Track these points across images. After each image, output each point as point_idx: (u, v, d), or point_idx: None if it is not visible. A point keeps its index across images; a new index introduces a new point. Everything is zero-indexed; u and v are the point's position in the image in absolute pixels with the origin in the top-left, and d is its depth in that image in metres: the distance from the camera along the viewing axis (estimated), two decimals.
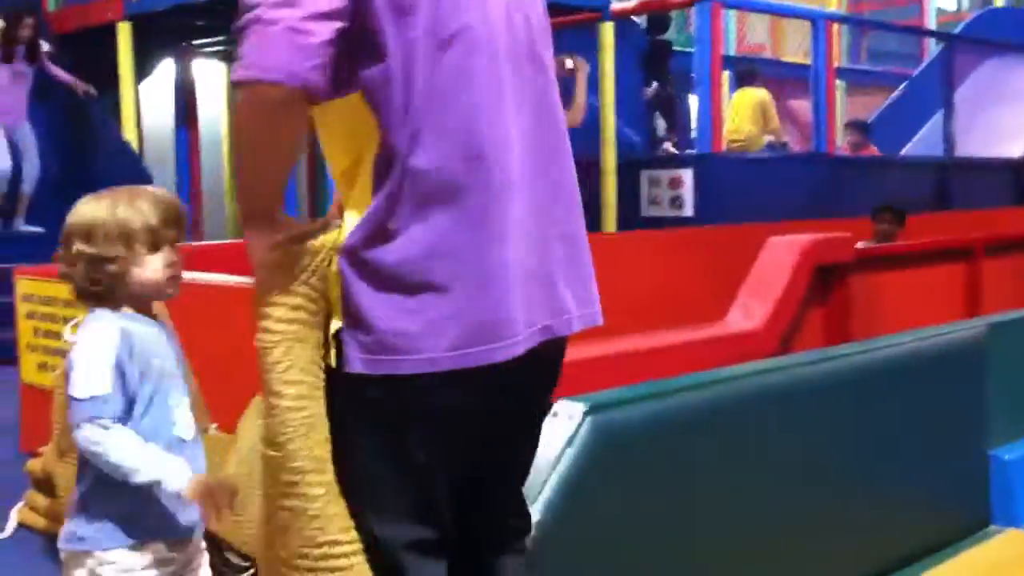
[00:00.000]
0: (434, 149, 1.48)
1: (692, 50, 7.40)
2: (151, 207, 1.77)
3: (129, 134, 6.95)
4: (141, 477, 1.70)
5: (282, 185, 1.58)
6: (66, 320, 3.03)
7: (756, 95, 8.50)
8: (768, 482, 2.28)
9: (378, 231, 1.50)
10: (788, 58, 11.43)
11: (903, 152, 9.90)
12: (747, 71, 8.91)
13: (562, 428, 1.95)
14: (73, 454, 2.64)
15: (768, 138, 8.45)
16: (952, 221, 6.74)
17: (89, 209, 1.78)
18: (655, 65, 7.07)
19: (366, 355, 1.51)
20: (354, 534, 1.54)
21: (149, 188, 1.88)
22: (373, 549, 1.56)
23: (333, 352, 1.53)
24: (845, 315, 4.54)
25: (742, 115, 8.49)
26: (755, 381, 2.32)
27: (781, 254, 4.28)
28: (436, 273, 1.49)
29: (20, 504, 3.41)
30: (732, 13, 11.00)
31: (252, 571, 2.43)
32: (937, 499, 2.73)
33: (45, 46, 6.96)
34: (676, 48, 9.37)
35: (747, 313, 4.07)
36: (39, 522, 3.31)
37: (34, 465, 3.26)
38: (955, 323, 2.93)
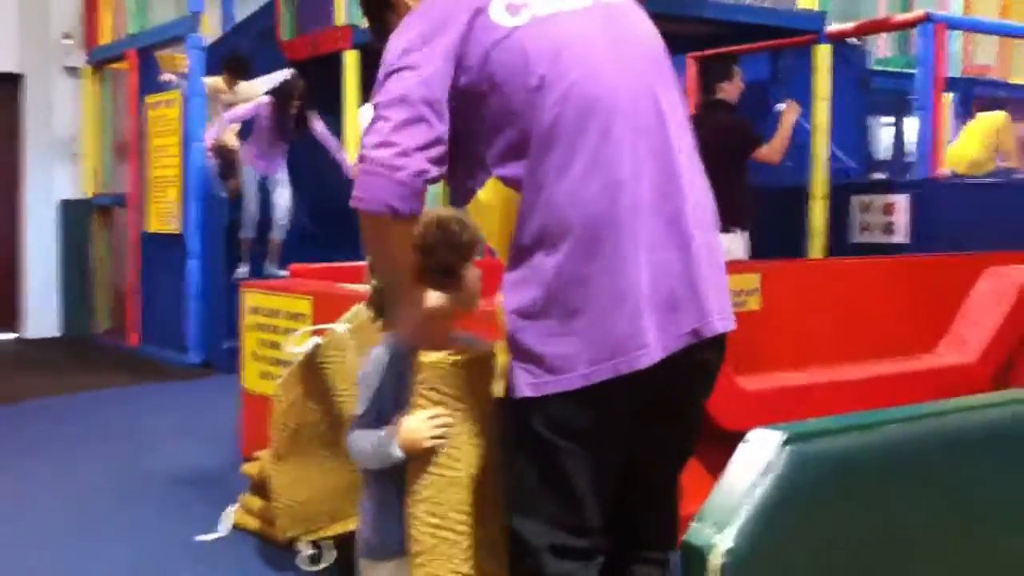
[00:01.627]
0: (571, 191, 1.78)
1: (914, 71, 7.17)
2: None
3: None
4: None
5: (407, 271, 1.91)
6: (287, 331, 3.24)
7: (994, 120, 8.29)
8: (971, 526, 2.19)
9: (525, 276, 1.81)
10: (1017, 79, 10.86)
11: None
12: (988, 101, 8.73)
13: (759, 456, 1.95)
14: (289, 459, 2.84)
15: (1000, 163, 8.14)
16: None
17: None
18: None
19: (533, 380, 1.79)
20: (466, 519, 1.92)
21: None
22: (525, 554, 1.84)
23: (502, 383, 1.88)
24: None
25: (973, 139, 8.19)
26: (964, 417, 2.24)
27: (1000, 284, 4.10)
28: (573, 300, 1.77)
29: (234, 506, 3.60)
30: (957, 33, 10.54)
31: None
32: None
33: (313, 118, 7.36)
34: (897, 69, 9.10)
35: (960, 345, 3.93)
36: (252, 523, 3.49)
37: (251, 468, 3.44)
38: None
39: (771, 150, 5.79)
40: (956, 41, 10.90)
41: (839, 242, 6.53)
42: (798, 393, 3.36)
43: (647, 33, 2.00)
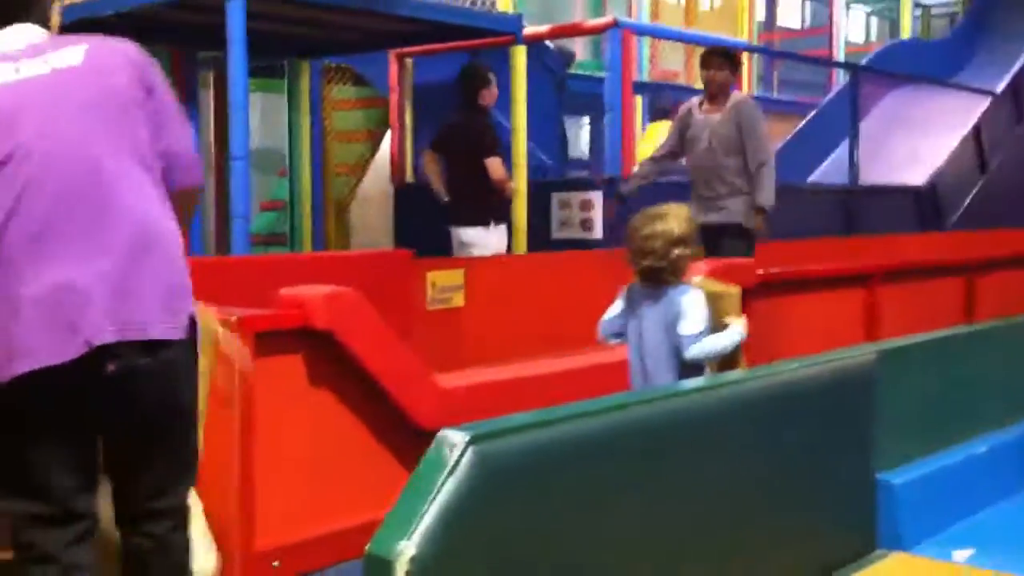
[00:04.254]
0: None
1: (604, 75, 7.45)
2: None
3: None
4: None
5: None
6: None
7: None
8: (658, 511, 2.27)
9: None
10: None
11: (812, 179, 10.10)
12: (662, 109, 9.25)
13: (442, 458, 1.92)
14: None
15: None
16: (856, 246, 6.88)
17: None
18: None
19: None
20: None
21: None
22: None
23: None
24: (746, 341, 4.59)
25: (653, 140, 8.66)
26: (645, 409, 2.32)
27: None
28: None
29: None
30: (646, 40, 11.12)
31: None
32: (827, 523, 2.76)
33: None
34: (589, 74, 9.47)
35: None
36: None
37: None
38: (845, 349, 2.96)
39: (499, 171, 6.15)
40: (645, 47, 11.51)
41: (541, 238, 6.70)
42: (496, 389, 3.39)
43: (99, 93, 2.34)
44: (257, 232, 7.62)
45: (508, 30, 6.77)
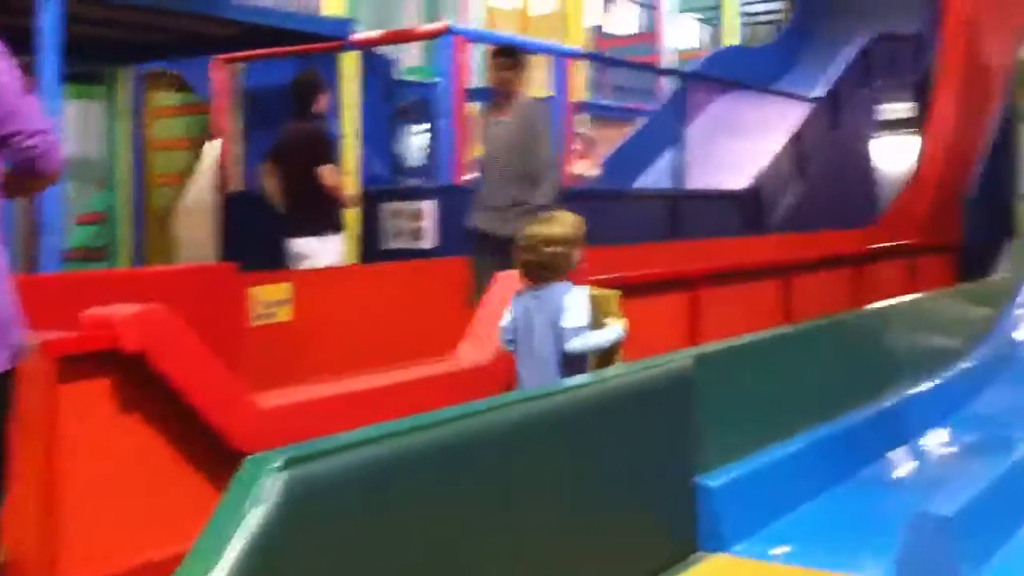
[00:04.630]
0: None
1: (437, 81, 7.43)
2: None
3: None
4: None
5: None
6: None
7: None
8: (485, 524, 2.26)
9: None
10: (534, 92, 11.70)
11: (642, 184, 10.32)
12: None
13: (250, 484, 1.85)
14: None
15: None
16: (681, 250, 7.05)
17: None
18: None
19: None
20: None
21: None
22: None
23: None
24: None
25: None
26: (466, 423, 2.30)
27: (508, 287, 4.32)
28: None
29: None
30: (481, 46, 11.16)
31: None
32: (647, 528, 2.80)
33: None
34: (422, 80, 9.43)
35: (478, 347, 4.09)
36: None
37: None
38: (664, 355, 3.02)
39: (332, 179, 6.06)
40: (480, 54, 11.55)
41: (373, 248, 6.62)
42: (320, 407, 3.32)
43: None
44: (74, 247, 7.29)
45: (337, 35, 6.69)
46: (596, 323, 3.51)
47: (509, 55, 5.49)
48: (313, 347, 5.03)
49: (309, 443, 2.02)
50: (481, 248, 5.47)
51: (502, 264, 4.91)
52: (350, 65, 6.54)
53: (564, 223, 3.63)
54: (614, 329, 3.54)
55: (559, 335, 3.44)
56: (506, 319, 3.62)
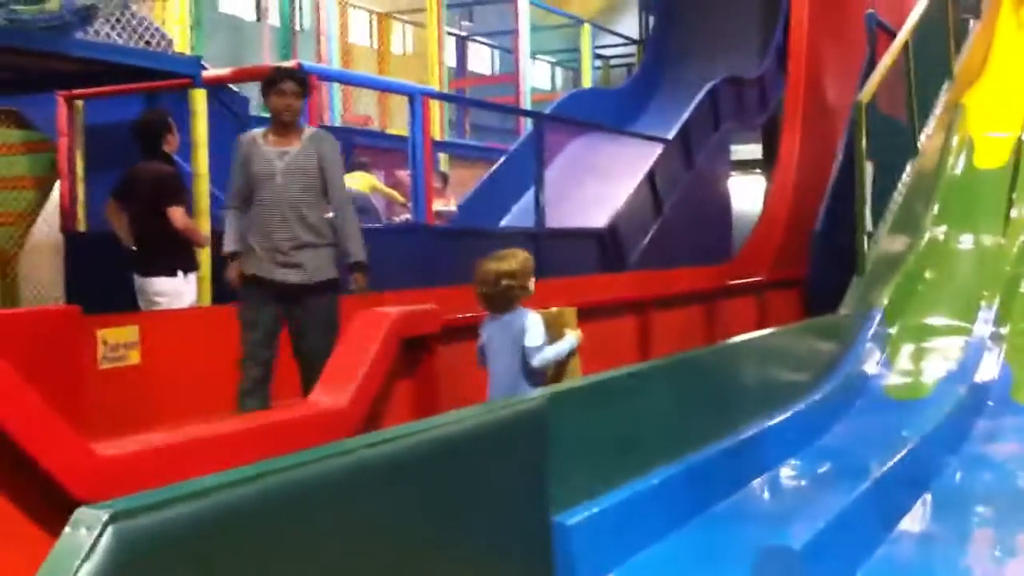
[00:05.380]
0: None
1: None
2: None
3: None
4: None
5: None
6: None
7: (367, 179, 9.29)
8: (326, 572, 2.18)
9: None
10: (394, 131, 11.69)
11: (503, 223, 10.37)
12: (360, 163, 9.56)
13: (77, 540, 1.74)
14: None
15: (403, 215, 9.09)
16: (541, 289, 7.07)
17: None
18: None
19: None
20: None
21: None
22: None
23: None
24: (433, 387, 4.60)
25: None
26: (308, 470, 2.21)
27: (367, 328, 4.26)
28: None
29: None
30: (337, 84, 11.09)
31: None
32: (504, 568, 2.76)
33: None
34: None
35: (333, 390, 4.00)
36: None
37: None
38: (517, 396, 2.99)
39: (182, 221, 5.93)
40: (337, 92, 11.48)
41: (225, 289, 6.43)
42: (162, 455, 3.18)
43: None
44: None
45: (186, 72, 6.53)
46: (555, 338, 4.21)
47: (300, 82, 4.93)
48: (162, 390, 4.85)
49: (140, 495, 1.92)
50: (262, 297, 4.77)
51: (293, 313, 4.67)
52: (200, 103, 6.38)
53: (516, 259, 4.23)
54: (567, 340, 4.22)
55: (523, 353, 4.11)
56: (479, 343, 4.27)
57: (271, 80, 4.86)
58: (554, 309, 4.32)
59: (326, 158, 4.82)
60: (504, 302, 4.17)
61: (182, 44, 6.87)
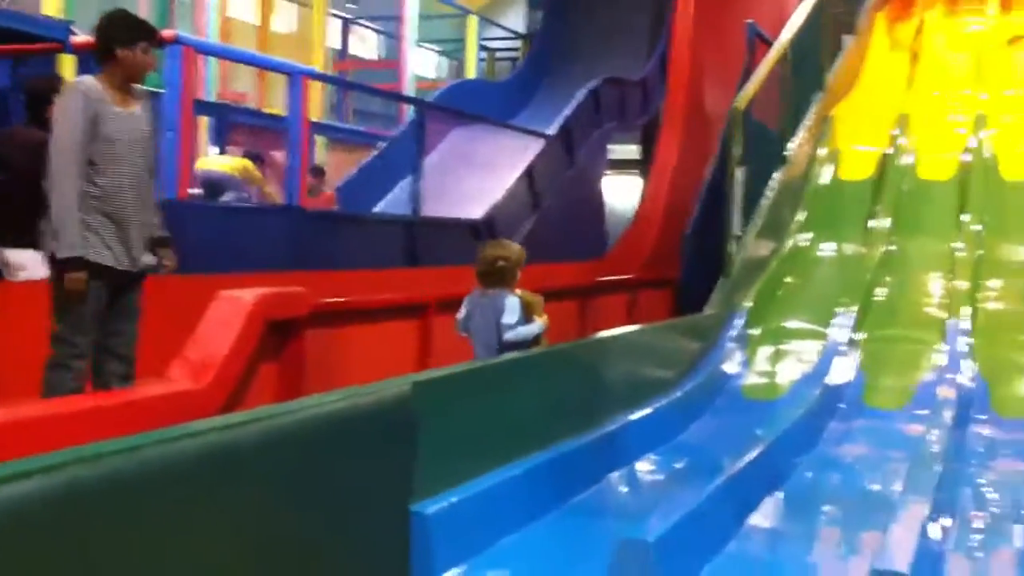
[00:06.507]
0: None
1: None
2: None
3: None
4: None
5: None
6: None
7: (240, 161, 9.15)
8: (169, 563, 2.11)
9: None
10: (271, 110, 11.48)
11: (379, 210, 10.28)
12: (255, 155, 9.49)
13: None
14: None
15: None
16: (416, 277, 7.05)
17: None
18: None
19: None
20: None
21: None
22: None
23: None
24: (299, 371, 4.52)
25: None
26: (159, 450, 2.14)
27: (229, 309, 4.17)
28: None
29: None
30: (215, 60, 10.82)
31: None
32: (359, 556, 2.72)
33: None
34: (151, 89, 9.01)
35: (191, 370, 3.90)
36: None
37: None
38: (383, 381, 2.95)
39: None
40: (214, 67, 11.20)
41: None
42: (4, 432, 3.04)
43: None
44: None
45: (55, 37, 6.29)
46: (527, 320, 4.84)
47: (160, 42, 4.43)
48: (13, 364, 4.64)
49: None
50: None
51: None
52: (68, 69, 6.15)
53: (512, 249, 5.02)
54: (537, 324, 4.88)
55: (499, 328, 4.75)
56: (461, 312, 4.92)
57: (150, 32, 4.23)
58: (528, 295, 4.99)
59: (152, 124, 4.25)
60: (495, 279, 4.86)
61: (52, 7, 6.60)
